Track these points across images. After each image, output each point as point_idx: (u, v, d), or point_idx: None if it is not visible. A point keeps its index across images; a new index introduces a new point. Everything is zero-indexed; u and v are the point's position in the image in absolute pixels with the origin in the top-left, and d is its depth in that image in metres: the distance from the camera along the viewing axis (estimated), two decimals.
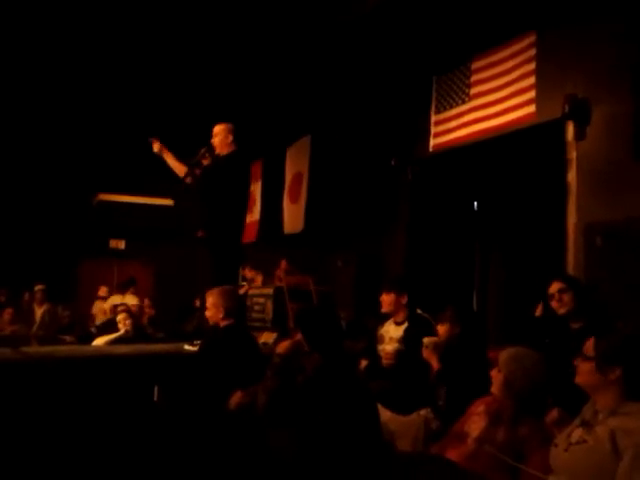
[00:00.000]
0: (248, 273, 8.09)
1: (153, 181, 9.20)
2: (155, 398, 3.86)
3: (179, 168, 4.91)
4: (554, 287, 3.31)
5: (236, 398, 3.37)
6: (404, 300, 4.08)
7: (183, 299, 8.51)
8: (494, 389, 2.52)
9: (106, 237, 10.53)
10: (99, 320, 8.69)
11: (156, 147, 4.94)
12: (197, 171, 4.86)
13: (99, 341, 5.38)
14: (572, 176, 4.60)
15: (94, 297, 9.27)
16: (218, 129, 4.89)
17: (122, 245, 10.65)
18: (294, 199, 8.44)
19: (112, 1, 5.96)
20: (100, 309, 8.96)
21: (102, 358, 4.32)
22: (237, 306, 3.94)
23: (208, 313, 3.92)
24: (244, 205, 4.84)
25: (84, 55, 7.02)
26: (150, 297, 9.22)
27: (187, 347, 4.48)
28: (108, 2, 5.97)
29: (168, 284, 9.52)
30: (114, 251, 10.64)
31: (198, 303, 7.13)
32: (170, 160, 4.94)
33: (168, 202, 10.15)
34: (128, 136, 8.64)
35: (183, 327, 7.43)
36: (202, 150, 4.90)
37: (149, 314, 8.42)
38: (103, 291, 9.31)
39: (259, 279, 7.98)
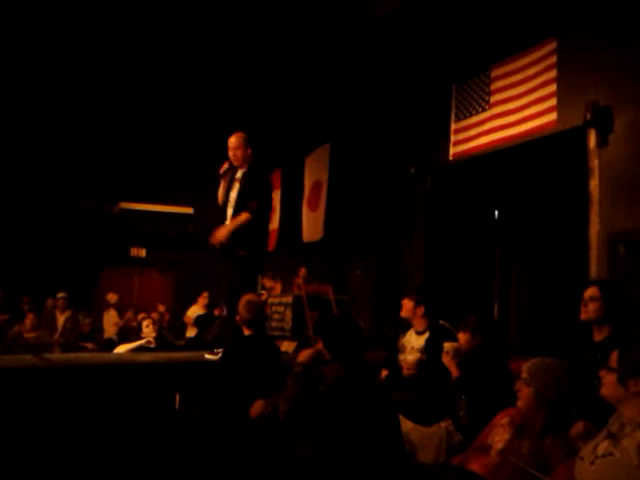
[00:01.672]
0: (267, 282, 8.11)
1: (172, 189, 9.32)
2: (177, 406, 3.88)
3: (221, 196, 4.81)
4: (589, 292, 3.24)
5: (257, 407, 3.37)
6: (420, 311, 4.08)
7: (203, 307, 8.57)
8: (521, 403, 2.47)
9: (127, 245, 10.65)
10: (109, 328, 8.77)
11: (223, 170, 4.81)
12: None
13: (121, 349, 5.42)
14: (594, 184, 4.56)
15: (111, 305, 9.33)
16: (236, 142, 4.71)
17: (143, 253, 10.77)
18: (313, 207, 8.46)
19: (131, 9, 6.03)
20: (109, 317, 9.04)
21: (124, 366, 4.35)
22: (257, 317, 3.95)
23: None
24: (269, 215, 4.82)
25: (107, 66, 7.12)
26: (168, 305, 9.30)
27: (208, 356, 4.49)
28: (127, 10, 6.04)
29: (188, 292, 9.58)
30: (135, 259, 10.75)
31: (218, 311, 7.17)
32: (221, 187, 4.83)
33: (188, 210, 10.24)
34: (149, 145, 8.75)
35: (203, 335, 7.47)
36: (225, 165, 4.80)
37: (166, 320, 8.50)
38: (113, 298, 9.33)
39: (278, 287, 8.00)
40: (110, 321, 9.00)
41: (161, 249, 10.47)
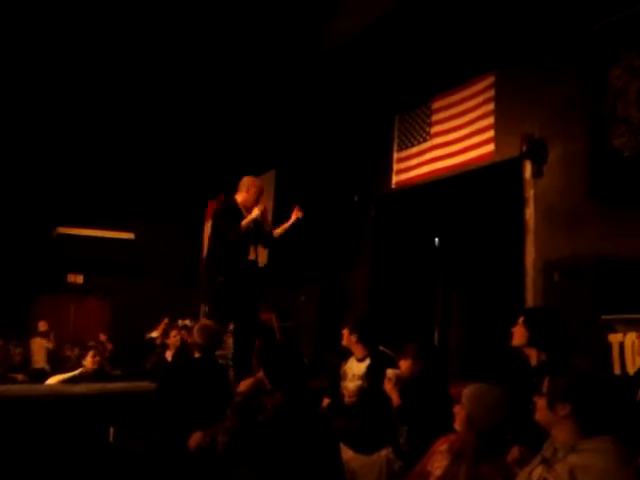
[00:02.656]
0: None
1: (112, 214, 9.09)
2: (111, 439, 3.73)
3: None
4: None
5: (196, 438, 3.28)
6: (354, 338, 4.11)
7: (142, 335, 8.32)
8: (457, 425, 2.51)
9: (64, 271, 10.28)
10: (38, 357, 8.36)
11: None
12: None
13: (53, 380, 5.19)
14: (530, 213, 4.71)
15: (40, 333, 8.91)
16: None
17: (80, 280, 10.40)
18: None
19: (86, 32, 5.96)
20: (39, 345, 8.64)
21: (54, 397, 4.16)
22: (209, 343, 3.89)
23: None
24: None
25: (45, 86, 6.96)
26: (109, 333, 9.01)
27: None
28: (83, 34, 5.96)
29: (126, 320, 9.31)
30: (72, 286, 10.38)
31: (159, 340, 6.98)
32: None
33: (127, 235, 10.00)
34: (87, 169, 8.56)
35: (142, 364, 7.24)
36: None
37: (109, 350, 8.20)
38: (44, 326, 8.95)
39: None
40: (39, 349, 8.59)
41: (99, 275, 10.15)
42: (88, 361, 5.48)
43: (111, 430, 3.73)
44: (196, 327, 3.98)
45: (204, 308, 7.82)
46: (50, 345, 8.62)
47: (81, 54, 6.34)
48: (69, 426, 3.79)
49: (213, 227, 5.07)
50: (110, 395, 4.33)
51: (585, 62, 4.35)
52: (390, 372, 3.52)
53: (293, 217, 5.22)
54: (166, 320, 8.23)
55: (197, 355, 3.86)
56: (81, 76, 6.84)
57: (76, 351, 7.44)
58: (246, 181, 5.12)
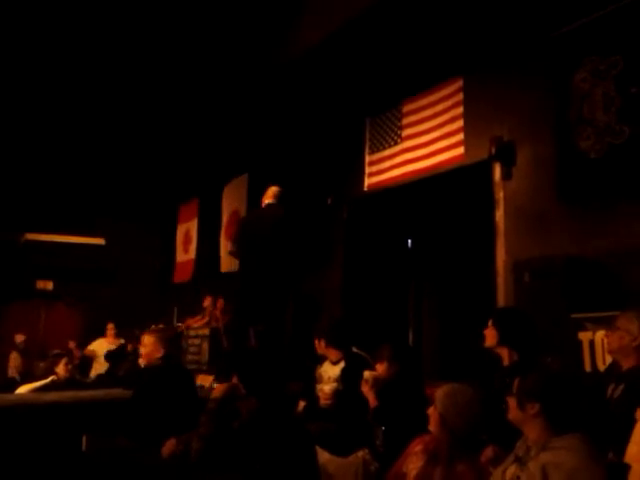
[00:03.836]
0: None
1: (82, 220, 8.96)
2: (84, 448, 3.67)
3: None
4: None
5: (169, 446, 3.24)
6: (322, 343, 4.15)
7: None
8: (431, 426, 2.53)
9: (33, 278, 10.08)
10: (13, 369, 8.21)
11: None
12: None
13: (23, 389, 5.09)
14: (500, 215, 4.77)
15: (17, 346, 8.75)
16: None
17: (50, 286, 10.21)
18: (231, 237, 8.37)
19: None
20: (14, 357, 8.48)
21: (24, 407, 4.08)
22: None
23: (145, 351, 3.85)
24: None
25: (8, 91, 6.83)
26: (79, 340, 8.85)
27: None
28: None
29: (98, 326, 9.17)
30: (41, 292, 10.18)
31: (131, 346, 6.90)
32: None
33: (98, 241, 9.86)
34: (56, 174, 8.42)
35: (115, 371, 7.15)
36: None
37: (78, 357, 8.07)
38: (20, 338, 8.80)
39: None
40: (14, 361, 8.44)
41: (69, 282, 9.98)
42: (61, 369, 5.37)
43: (84, 438, 3.67)
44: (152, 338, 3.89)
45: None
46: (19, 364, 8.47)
47: (42, 62, 6.24)
48: (41, 435, 3.72)
49: None
50: (82, 403, 4.26)
51: (551, 66, 4.43)
52: (367, 374, 3.54)
53: None
54: (110, 326, 8.14)
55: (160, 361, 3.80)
56: (46, 81, 6.74)
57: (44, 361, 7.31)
58: None
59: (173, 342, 3.96)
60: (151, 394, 3.63)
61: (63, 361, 5.48)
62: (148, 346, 3.88)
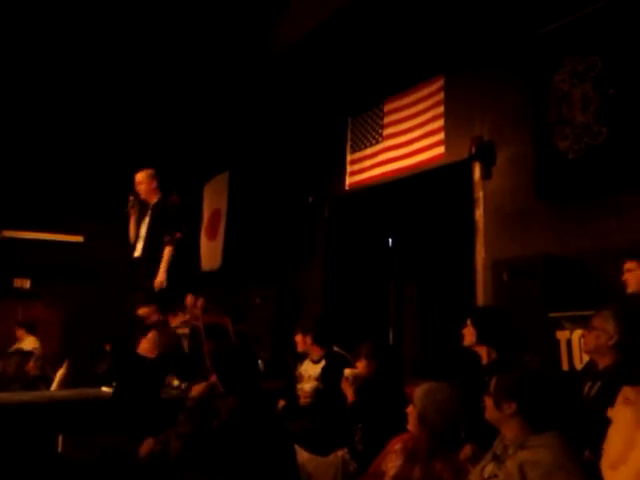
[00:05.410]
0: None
1: (60, 217, 8.85)
2: (59, 448, 3.62)
3: (132, 231, 5.01)
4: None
5: (147, 445, 3.20)
6: (309, 340, 4.12)
7: (93, 340, 8.11)
8: (410, 425, 2.54)
9: (9, 276, 9.92)
10: None
11: (129, 204, 4.95)
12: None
13: None
14: (479, 214, 4.80)
15: None
16: (141, 177, 4.97)
17: (27, 284, 10.06)
18: (212, 236, 8.32)
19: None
20: None
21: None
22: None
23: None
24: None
25: None
26: (57, 338, 8.75)
27: (105, 389, 4.29)
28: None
29: (76, 325, 9.06)
30: (18, 291, 10.02)
31: (109, 346, 6.83)
32: (131, 222, 5.03)
33: (76, 239, 9.73)
34: (34, 170, 8.30)
35: (94, 370, 7.07)
36: (130, 198, 4.85)
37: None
38: None
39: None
40: None
41: (47, 280, 9.83)
42: (30, 366, 5.32)
43: (59, 439, 3.62)
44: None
45: None
46: None
47: (18, 54, 6.14)
48: (15, 435, 3.65)
49: None
50: (58, 403, 4.20)
51: (530, 67, 4.47)
52: (348, 371, 3.55)
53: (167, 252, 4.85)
54: None
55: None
56: (22, 75, 6.63)
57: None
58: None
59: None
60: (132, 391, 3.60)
61: (32, 359, 5.43)
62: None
